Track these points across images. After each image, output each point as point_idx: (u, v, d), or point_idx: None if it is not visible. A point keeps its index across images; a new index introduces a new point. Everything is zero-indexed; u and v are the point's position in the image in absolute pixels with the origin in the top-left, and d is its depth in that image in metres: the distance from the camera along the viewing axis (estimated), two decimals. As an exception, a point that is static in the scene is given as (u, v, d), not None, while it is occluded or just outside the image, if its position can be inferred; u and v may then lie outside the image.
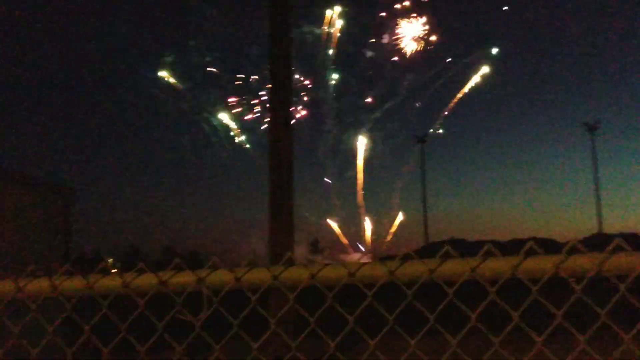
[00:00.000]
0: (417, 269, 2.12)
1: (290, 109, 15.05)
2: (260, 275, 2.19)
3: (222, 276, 2.21)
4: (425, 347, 2.25)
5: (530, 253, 2.12)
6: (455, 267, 2.11)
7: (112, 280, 2.30)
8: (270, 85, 14.67)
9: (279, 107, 14.46)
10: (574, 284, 2.07)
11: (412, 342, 2.13)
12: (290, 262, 2.23)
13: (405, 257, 2.17)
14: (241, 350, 2.40)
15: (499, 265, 2.09)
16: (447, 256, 2.16)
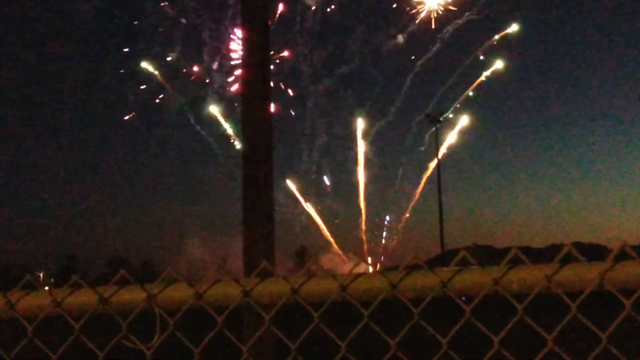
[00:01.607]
0: (425, 281, 2.13)
1: (268, 80, 14.99)
2: (227, 291, 2.19)
3: (179, 292, 2.21)
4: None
5: (567, 260, 2.14)
6: (474, 279, 2.12)
7: (39, 299, 2.30)
8: (243, 46, 14.61)
9: (254, 78, 14.40)
10: (622, 298, 2.09)
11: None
12: (267, 273, 2.23)
13: (411, 267, 2.19)
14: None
15: (529, 276, 2.10)
16: (463, 264, 2.18)
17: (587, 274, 2.07)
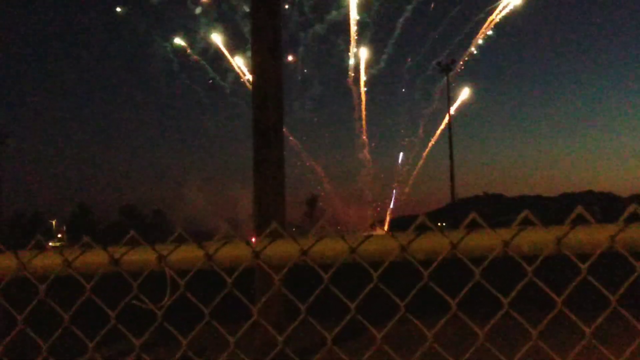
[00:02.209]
0: (435, 243, 2.13)
1: (278, 29, 14.85)
2: (237, 252, 2.20)
3: (189, 253, 2.22)
4: (444, 337, 2.28)
5: (578, 221, 2.13)
6: (484, 241, 2.12)
7: (49, 258, 2.32)
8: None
9: (264, 27, 14.27)
10: (633, 260, 2.09)
11: (430, 334, 2.16)
12: (277, 234, 2.24)
13: (420, 227, 2.18)
14: (219, 339, 2.43)
15: (539, 238, 2.09)
16: (473, 226, 2.18)
17: (597, 235, 2.06)
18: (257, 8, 14.20)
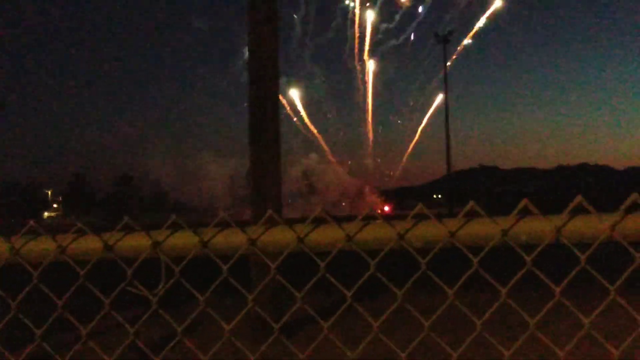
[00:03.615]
0: (433, 231, 2.11)
1: (274, 1, 14.72)
2: (233, 239, 2.18)
3: (184, 240, 2.20)
4: (442, 326, 2.27)
5: (578, 210, 2.11)
6: (482, 230, 2.10)
7: (44, 244, 2.29)
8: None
9: (261, 1, 14.15)
10: (632, 250, 2.07)
11: (426, 324, 2.15)
12: (273, 221, 2.21)
13: (418, 216, 2.16)
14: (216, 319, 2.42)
15: (538, 227, 2.07)
16: (472, 215, 2.15)
17: (597, 225, 2.04)
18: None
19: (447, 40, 67.34)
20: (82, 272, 2.24)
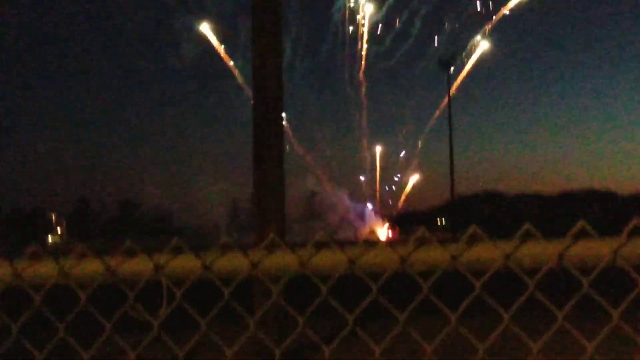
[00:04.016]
0: (435, 255, 2.11)
1: (279, 26, 14.80)
2: (235, 263, 2.18)
3: (186, 263, 2.20)
4: (443, 351, 2.26)
5: (580, 235, 2.10)
6: (485, 254, 2.10)
7: (46, 268, 2.29)
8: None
9: (264, 24, 14.22)
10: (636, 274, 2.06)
11: (429, 348, 2.14)
12: (276, 244, 2.21)
13: (421, 240, 2.16)
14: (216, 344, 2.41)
15: (541, 251, 2.07)
16: (474, 238, 2.15)
17: (599, 249, 2.04)
18: (258, 5, 14.14)
19: (450, 65, 67.49)
20: (83, 297, 2.24)
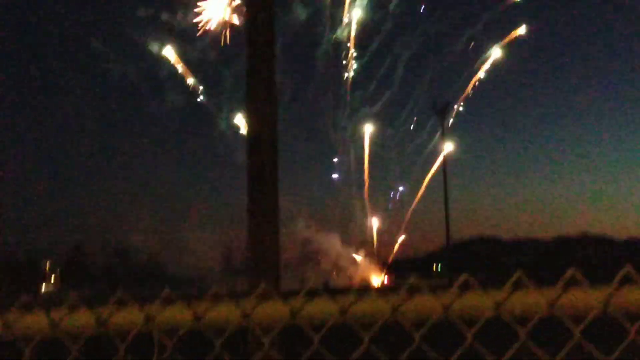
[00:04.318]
0: (427, 304, 2.11)
1: (274, 71, 14.90)
2: (226, 313, 2.17)
3: (177, 313, 2.19)
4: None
5: (571, 282, 2.11)
6: (476, 302, 2.10)
7: (37, 319, 2.29)
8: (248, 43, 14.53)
9: (259, 70, 14.32)
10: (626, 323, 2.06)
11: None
12: (268, 293, 2.21)
13: (412, 288, 2.16)
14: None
15: (532, 300, 2.07)
16: (465, 286, 2.15)
17: (590, 298, 2.05)
18: (252, 51, 14.25)
19: (445, 112, 67.92)
20: (74, 350, 2.23)
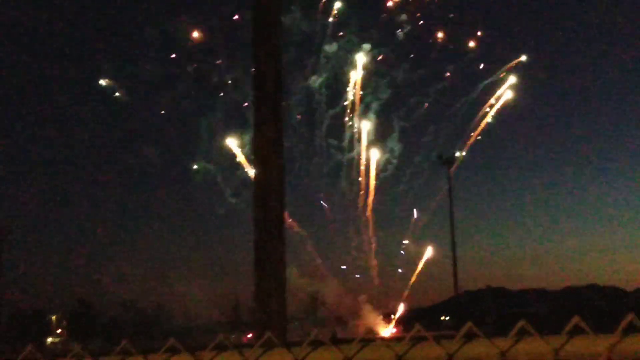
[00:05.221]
0: (431, 353, 2.11)
1: (280, 123, 14.97)
2: (230, 363, 2.17)
3: (182, 364, 2.19)
4: None
5: (575, 331, 2.11)
6: (481, 351, 2.09)
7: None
8: (255, 92, 14.63)
9: (265, 121, 14.40)
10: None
11: None
12: (271, 344, 2.21)
13: (417, 338, 2.16)
14: None
15: (537, 348, 2.07)
16: (470, 335, 2.15)
17: (595, 346, 2.04)
18: (259, 102, 14.34)
19: (452, 162, 67.96)
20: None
